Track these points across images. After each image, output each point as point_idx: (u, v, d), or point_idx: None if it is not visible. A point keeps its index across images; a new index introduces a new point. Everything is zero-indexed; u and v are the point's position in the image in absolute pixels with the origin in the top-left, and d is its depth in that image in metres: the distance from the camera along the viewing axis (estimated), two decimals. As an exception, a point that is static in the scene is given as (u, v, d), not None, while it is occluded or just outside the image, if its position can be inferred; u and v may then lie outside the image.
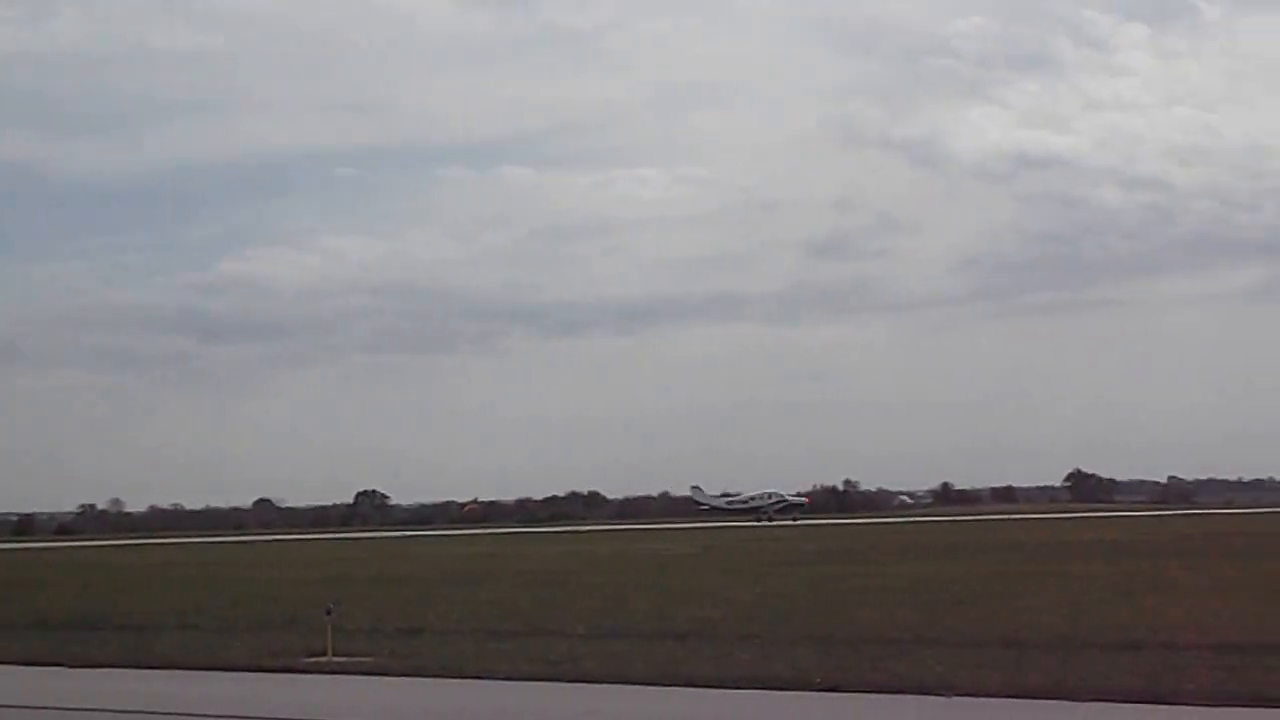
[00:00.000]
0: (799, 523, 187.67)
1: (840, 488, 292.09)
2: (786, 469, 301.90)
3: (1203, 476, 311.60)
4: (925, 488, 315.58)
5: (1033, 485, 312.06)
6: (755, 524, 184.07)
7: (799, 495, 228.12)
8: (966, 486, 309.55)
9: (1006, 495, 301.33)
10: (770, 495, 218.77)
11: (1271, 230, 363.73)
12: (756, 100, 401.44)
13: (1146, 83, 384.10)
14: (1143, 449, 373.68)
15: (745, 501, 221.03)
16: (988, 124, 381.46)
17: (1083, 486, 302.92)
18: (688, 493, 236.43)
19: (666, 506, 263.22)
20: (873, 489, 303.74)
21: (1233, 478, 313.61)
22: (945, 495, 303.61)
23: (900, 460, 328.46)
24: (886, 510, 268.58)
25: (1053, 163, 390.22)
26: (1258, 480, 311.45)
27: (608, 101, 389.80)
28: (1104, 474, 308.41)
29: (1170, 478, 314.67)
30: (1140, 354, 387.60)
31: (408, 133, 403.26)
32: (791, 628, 39.82)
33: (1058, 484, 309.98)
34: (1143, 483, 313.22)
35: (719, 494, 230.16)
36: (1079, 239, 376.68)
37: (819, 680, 29.96)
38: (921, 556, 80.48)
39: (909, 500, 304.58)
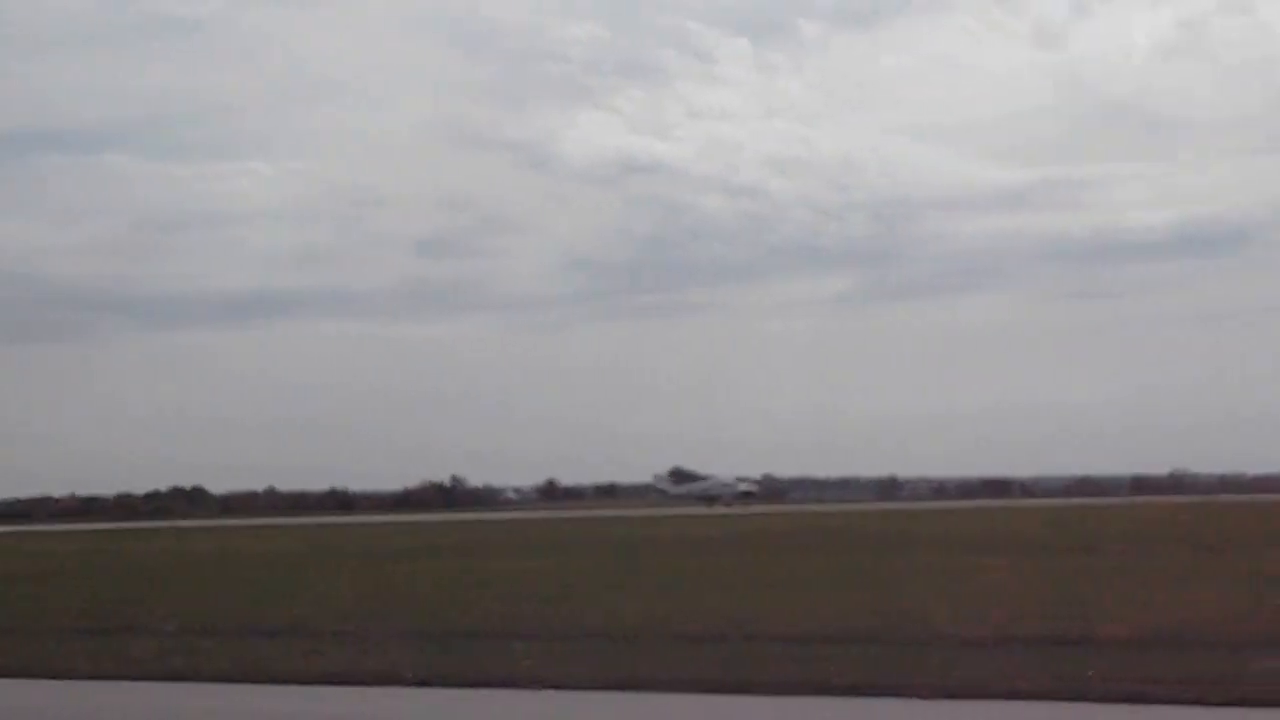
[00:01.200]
0: (750, 509, 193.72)
1: (448, 483, 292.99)
2: (395, 465, 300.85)
3: (796, 475, 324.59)
4: (531, 484, 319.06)
5: (634, 482, 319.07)
6: (708, 511, 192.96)
7: (752, 482, 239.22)
8: (571, 483, 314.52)
9: (609, 492, 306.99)
10: (725, 484, 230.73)
11: (855, 241, 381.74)
12: (370, 96, 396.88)
13: (747, 95, 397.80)
14: (740, 448, 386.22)
15: (704, 490, 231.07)
16: (597, 129, 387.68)
17: (682, 483, 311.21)
18: (296, 487, 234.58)
19: (274, 501, 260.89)
20: (480, 485, 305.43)
21: (823, 476, 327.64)
22: (550, 492, 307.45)
23: (507, 457, 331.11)
24: (493, 506, 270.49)
25: (658, 168, 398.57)
26: (845, 479, 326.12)
27: (217, 93, 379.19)
28: (702, 471, 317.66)
29: (765, 475, 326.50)
30: (740, 356, 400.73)
31: (3, 118, 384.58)
32: (387, 624, 39.89)
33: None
34: (741, 479, 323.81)
35: (675, 482, 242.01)
36: (683, 243, 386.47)
37: (410, 676, 30.14)
38: (523, 552, 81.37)
39: (515, 496, 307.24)
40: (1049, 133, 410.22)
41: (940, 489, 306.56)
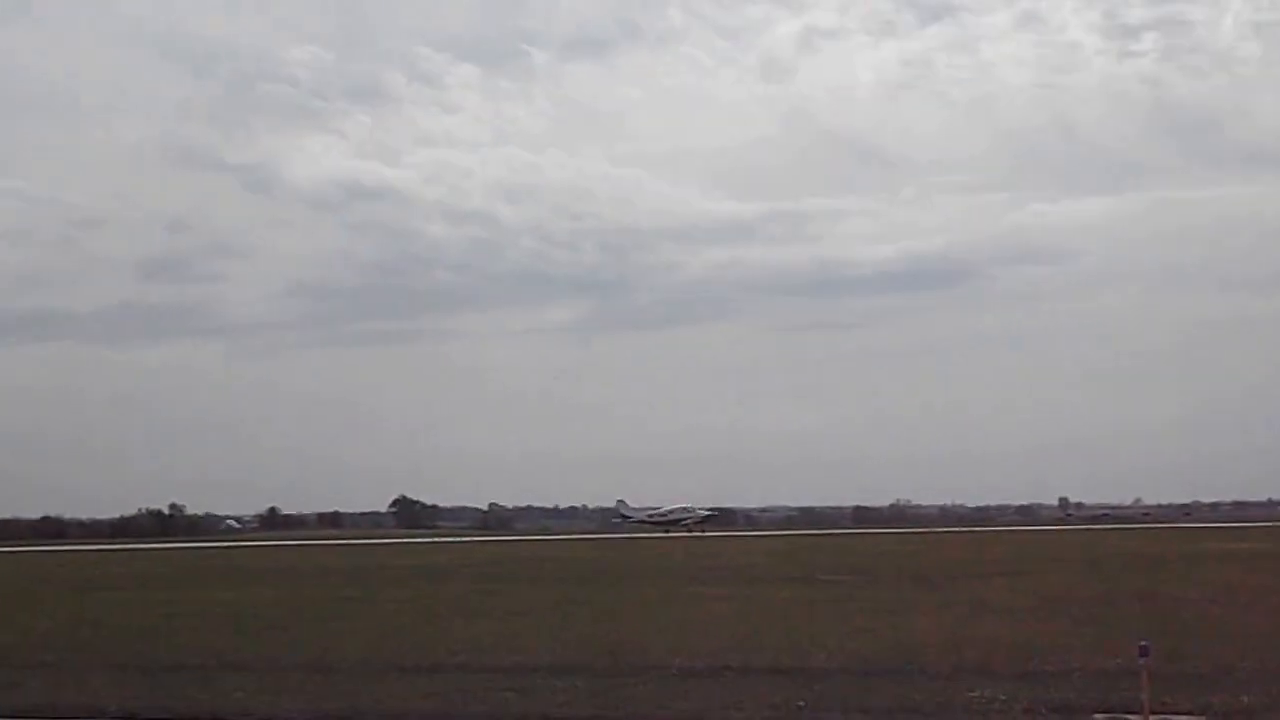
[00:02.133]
0: (706, 535, 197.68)
1: (166, 511, 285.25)
2: (112, 492, 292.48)
3: (522, 504, 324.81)
4: (252, 512, 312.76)
5: (359, 511, 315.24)
6: (665, 535, 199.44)
7: (711, 510, 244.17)
8: (293, 511, 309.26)
9: (333, 521, 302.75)
10: (686, 510, 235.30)
11: (586, 270, 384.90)
12: (87, 115, 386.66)
13: (477, 121, 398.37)
14: (465, 477, 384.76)
15: (664, 515, 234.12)
16: (323, 153, 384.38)
17: (407, 513, 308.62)
18: (5, 514, 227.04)
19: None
20: (200, 513, 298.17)
21: (549, 505, 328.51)
22: (272, 520, 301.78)
23: (228, 484, 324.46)
24: (213, 535, 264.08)
25: (386, 194, 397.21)
26: (572, 508, 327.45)
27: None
28: (428, 500, 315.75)
29: (491, 504, 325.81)
30: (466, 384, 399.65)
31: None
32: (92, 655, 38.39)
33: (383, 510, 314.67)
34: (465, 509, 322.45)
35: (639, 509, 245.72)
36: (410, 270, 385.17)
37: (113, 709, 28.99)
38: (241, 581, 79.45)
39: (236, 525, 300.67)
40: (777, 166, 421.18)
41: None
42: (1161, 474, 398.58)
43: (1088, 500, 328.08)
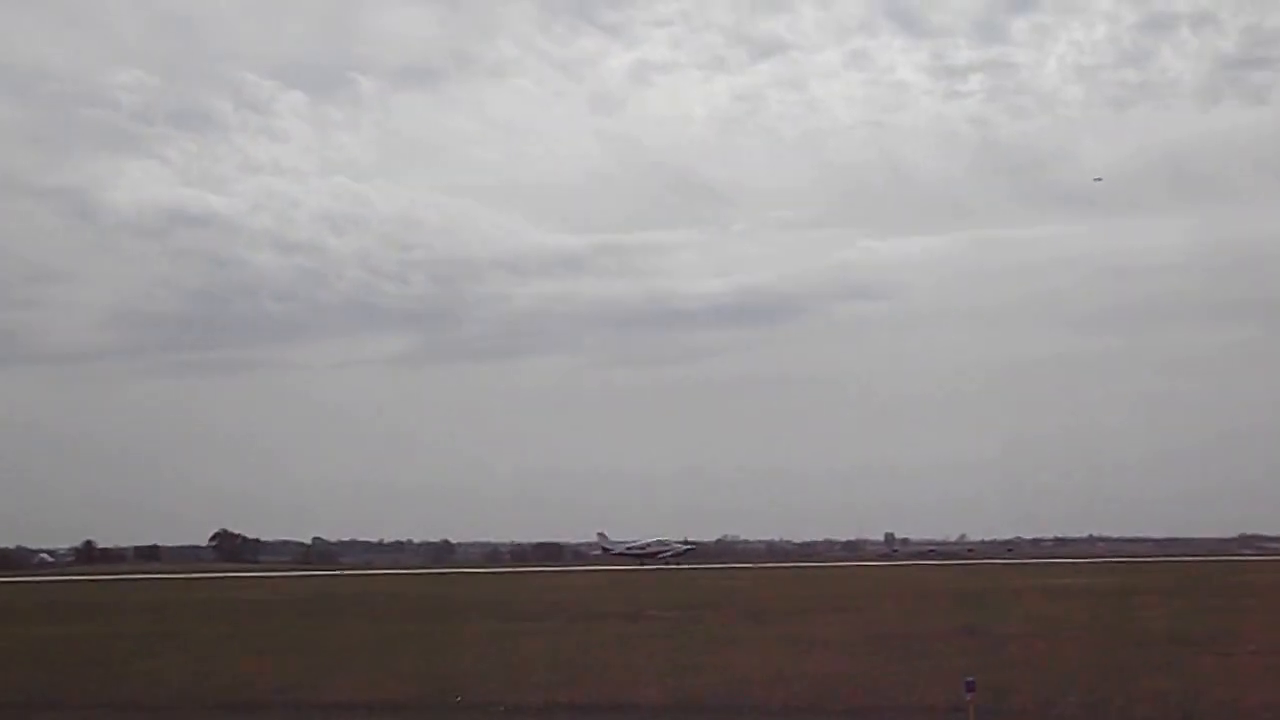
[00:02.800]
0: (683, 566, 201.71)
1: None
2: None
3: (346, 538, 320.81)
4: (67, 545, 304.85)
5: (178, 545, 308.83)
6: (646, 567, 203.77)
7: (687, 543, 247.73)
8: (110, 545, 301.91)
9: (151, 555, 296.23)
10: (663, 543, 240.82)
11: (414, 301, 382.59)
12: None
13: (305, 149, 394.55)
14: (288, 510, 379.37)
15: (643, 548, 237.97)
16: (146, 178, 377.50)
17: (228, 547, 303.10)
18: None
19: None
20: (11, 546, 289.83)
21: (375, 540, 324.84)
22: (88, 554, 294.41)
23: (42, 517, 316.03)
24: (26, 569, 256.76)
25: (210, 221, 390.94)
26: (398, 542, 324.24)
27: None
28: (250, 534, 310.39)
29: (315, 539, 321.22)
30: (291, 416, 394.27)
31: None
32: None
33: (203, 544, 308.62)
34: (288, 543, 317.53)
35: (618, 542, 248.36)
36: (235, 299, 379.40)
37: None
38: (55, 617, 77.17)
39: (49, 559, 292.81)
40: (609, 198, 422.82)
41: (494, 553, 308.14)
42: (985, 510, 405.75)
43: (913, 536, 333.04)
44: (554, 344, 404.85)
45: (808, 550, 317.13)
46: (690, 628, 59.32)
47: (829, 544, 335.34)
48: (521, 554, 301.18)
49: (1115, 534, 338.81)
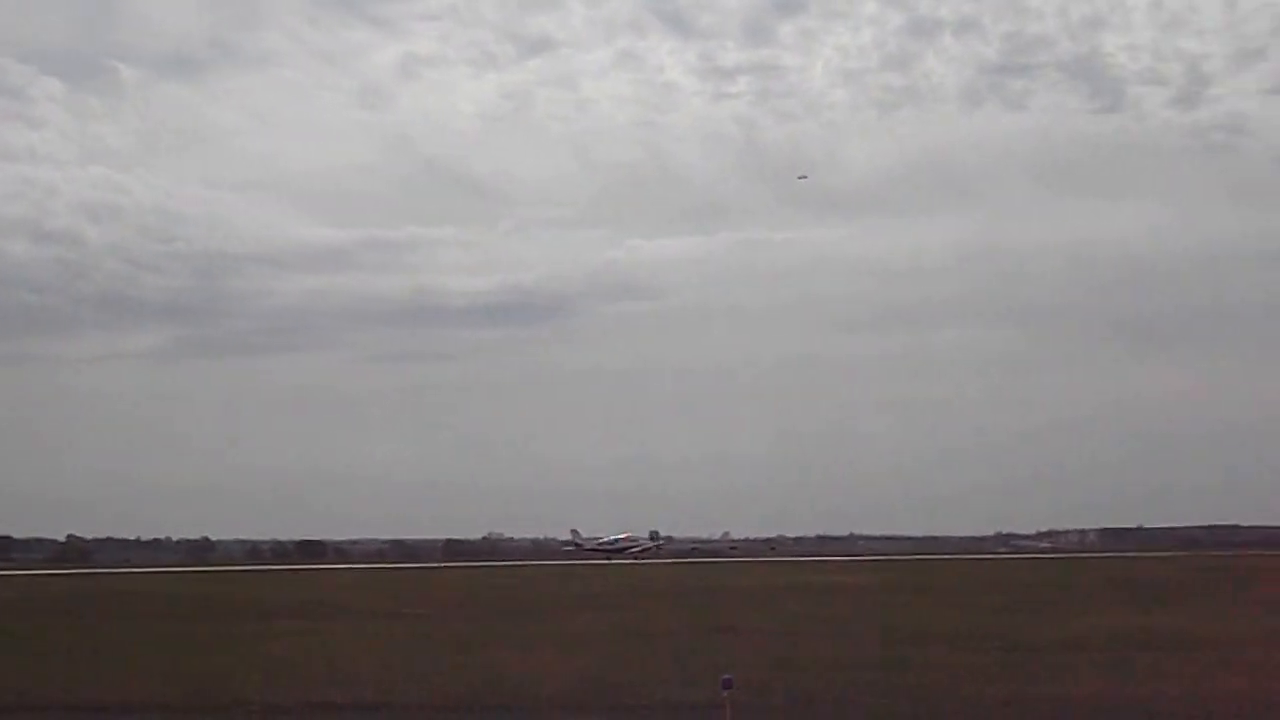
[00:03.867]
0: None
1: None
2: None
3: (102, 535, 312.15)
4: None
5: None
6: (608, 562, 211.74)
7: (656, 539, 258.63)
8: None
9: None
10: (632, 539, 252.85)
11: (175, 294, 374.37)
12: None
13: (63, 137, 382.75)
14: (42, 507, 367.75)
15: (610, 544, 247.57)
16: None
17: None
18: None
19: None
20: None
21: (132, 537, 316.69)
22: None
23: None
24: None
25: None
26: (156, 540, 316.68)
27: None
28: (1, 532, 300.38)
29: (70, 536, 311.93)
30: (46, 410, 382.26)
31: None
32: None
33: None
34: (41, 541, 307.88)
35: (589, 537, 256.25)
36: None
37: None
38: None
39: None
40: (375, 193, 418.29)
41: (254, 551, 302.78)
42: (748, 508, 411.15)
43: (677, 533, 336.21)
44: (317, 340, 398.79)
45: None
46: (452, 626, 59.11)
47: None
48: (283, 551, 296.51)
49: (876, 532, 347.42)
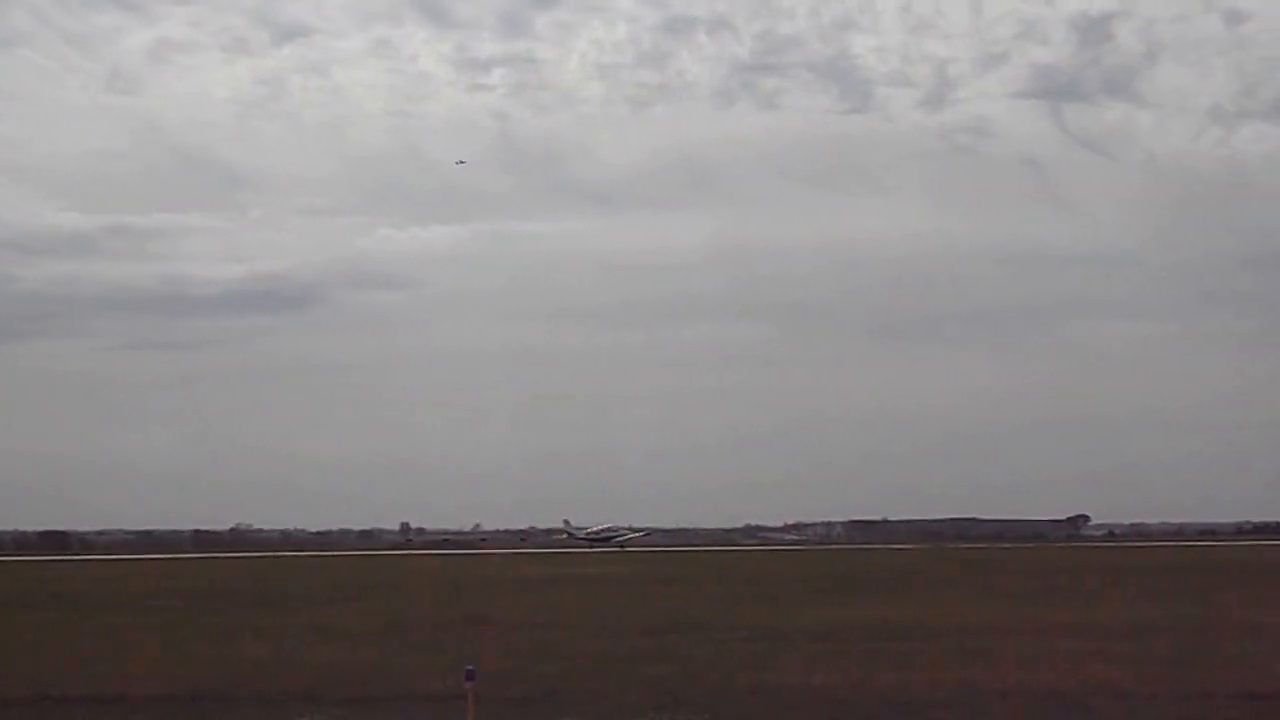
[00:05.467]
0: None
1: None
2: None
3: None
4: None
5: None
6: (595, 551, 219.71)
7: (643, 531, 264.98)
8: None
9: None
10: (620, 530, 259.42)
11: None
12: None
13: None
14: None
15: (598, 534, 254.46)
16: None
17: None
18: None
19: None
20: None
21: None
22: None
23: None
24: None
25: None
26: None
27: None
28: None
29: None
30: None
31: None
32: None
33: None
34: None
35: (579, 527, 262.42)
36: None
37: None
38: None
39: None
40: (124, 179, 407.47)
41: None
42: (500, 500, 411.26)
43: (429, 525, 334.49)
44: (65, 328, 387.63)
45: (324, 539, 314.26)
46: (199, 618, 57.78)
47: (345, 533, 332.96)
48: (26, 542, 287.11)
49: (627, 524, 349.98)
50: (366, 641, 44.65)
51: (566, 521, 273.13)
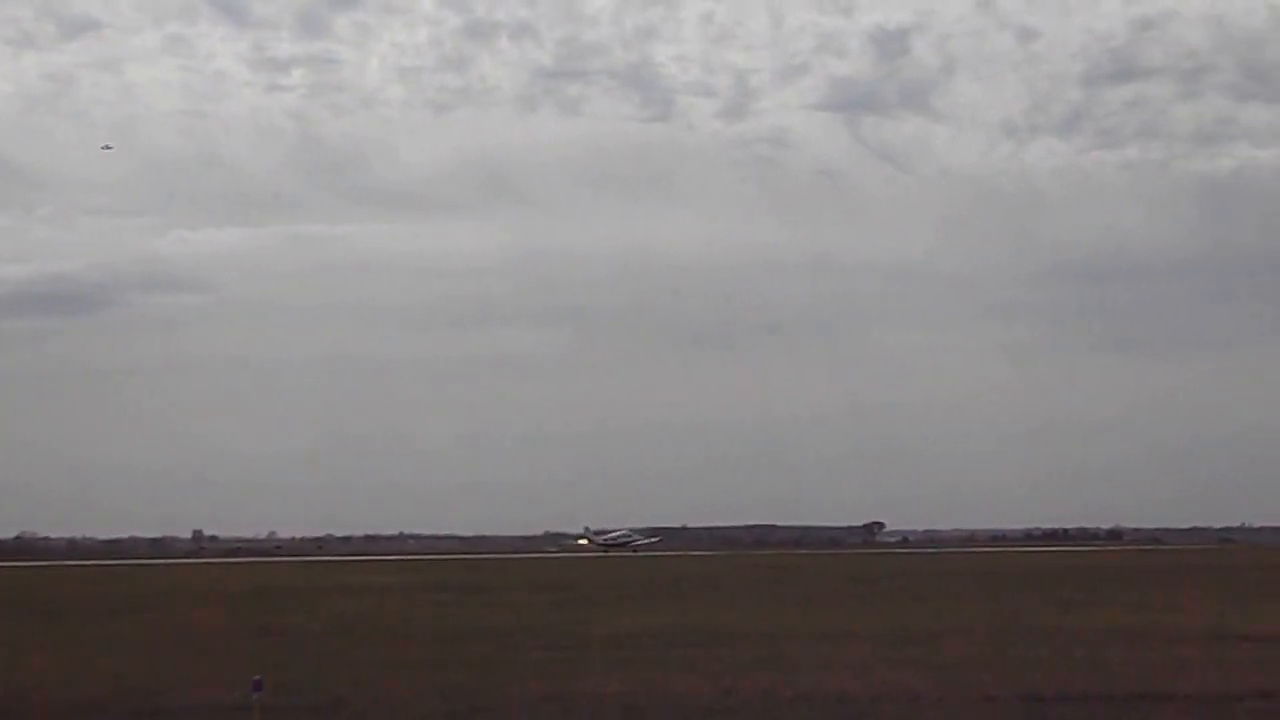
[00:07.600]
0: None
1: None
2: None
3: None
4: None
5: None
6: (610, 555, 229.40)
7: (653, 535, 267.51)
8: None
9: None
10: (631, 533, 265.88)
11: None
12: None
13: None
14: None
15: (615, 537, 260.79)
16: None
17: None
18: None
19: None
20: None
21: None
22: None
23: None
24: None
25: None
26: None
27: None
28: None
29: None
30: None
31: None
32: None
33: None
34: None
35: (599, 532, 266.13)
36: None
37: None
38: None
39: None
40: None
41: None
42: (295, 507, 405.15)
43: (222, 533, 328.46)
44: None
45: (113, 548, 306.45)
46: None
47: (135, 541, 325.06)
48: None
49: (426, 531, 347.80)
50: (152, 652, 43.56)
51: (587, 528, 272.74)
